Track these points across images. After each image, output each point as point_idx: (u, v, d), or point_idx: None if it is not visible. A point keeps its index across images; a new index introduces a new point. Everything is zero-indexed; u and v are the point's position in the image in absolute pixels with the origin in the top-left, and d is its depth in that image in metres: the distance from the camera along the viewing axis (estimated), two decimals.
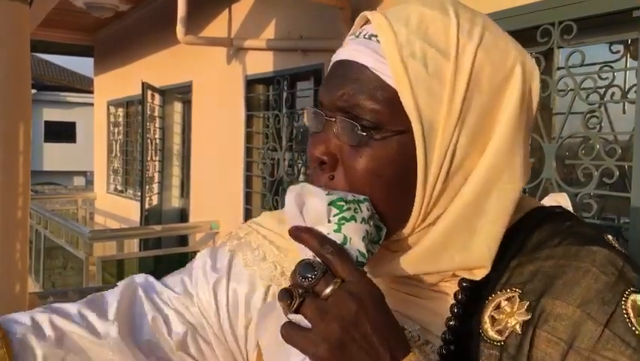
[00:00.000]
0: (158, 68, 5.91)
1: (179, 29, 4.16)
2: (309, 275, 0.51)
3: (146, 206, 5.65)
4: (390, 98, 0.55)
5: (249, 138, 4.32)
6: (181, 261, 4.93)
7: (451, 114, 0.55)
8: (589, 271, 0.54)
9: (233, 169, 4.47)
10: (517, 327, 0.55)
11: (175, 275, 0.76)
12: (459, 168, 0.57)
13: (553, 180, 2.10)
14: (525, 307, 0.55)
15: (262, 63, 4.12)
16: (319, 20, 3.52)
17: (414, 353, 0.51)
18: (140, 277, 0.75)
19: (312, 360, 0.50)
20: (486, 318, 0.57)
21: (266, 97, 4.25)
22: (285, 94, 3.90)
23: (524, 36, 2.06)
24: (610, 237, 0.59)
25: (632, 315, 0.52)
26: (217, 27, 4.61)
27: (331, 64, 0.61)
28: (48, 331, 0.65)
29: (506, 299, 0.57)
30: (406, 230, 0.59)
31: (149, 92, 5.63)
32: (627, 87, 1.99)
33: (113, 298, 0.71)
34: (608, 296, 0.52)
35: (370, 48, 0.57)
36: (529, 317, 0.54)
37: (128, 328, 0.69)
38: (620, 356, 0.50)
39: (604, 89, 2.02)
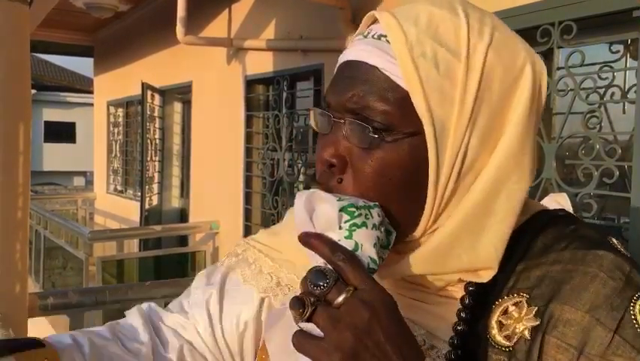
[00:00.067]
0: (157, 68, 5.91)
1: (179, 29, 4.16)
2: (321, 283, 0.50)
3: (146, 206, 5.65)
4: (401, 99, 0.54)
5: (248, 138, 4.32)
6: (181, 261, 4.93)
7: (462, 115, 0.54)
8: (597, 276, 0.53)
9: (233, 169, 4.46)
10: (526, 333, 0.54)
11: (176, 299, 0.79)
12: (470, 169, 0.56)
13: (553, 180, 2.10)
14: (533, 312, 0.54)
15: (262, 63, 4.12)
16: (319, 20, 3.51)
17: None
18: (144, 305, 0.79)
19: None
20: (493, 323, 0.56)
21: (266, 97, 4.24)
22: (284, 94, 3.89)
23: (524, 36, 2.04)
24: (615, 240, 0.59)
25: None
26: (217, 27, 4.61)
27: (338, 64, 0.60)
28: (87, 348, 0.68)
29: (514, 304, 0.56)
30: (417, 233, 0.58)
31: (149, 93, 5.63)
32: (627, 87, 1.98)
33: (137, 322, 0.74)
34: (617, 302, 0.52)
35: (380, 48, 0.56)
36: (538, 322, 0.54)
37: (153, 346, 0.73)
38: None
39: (604, 89, 2.02)
